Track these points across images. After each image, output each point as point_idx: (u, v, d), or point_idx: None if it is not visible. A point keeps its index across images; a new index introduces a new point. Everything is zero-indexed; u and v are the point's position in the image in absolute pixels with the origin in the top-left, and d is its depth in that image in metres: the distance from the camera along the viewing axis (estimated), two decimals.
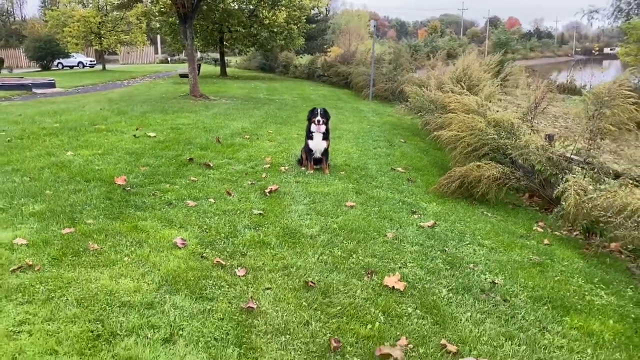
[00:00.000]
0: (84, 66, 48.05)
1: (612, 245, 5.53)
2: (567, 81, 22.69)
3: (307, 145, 7.46)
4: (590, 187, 5.54)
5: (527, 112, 8.22)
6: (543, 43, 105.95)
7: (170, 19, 27.47)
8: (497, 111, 7.93)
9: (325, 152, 7.55)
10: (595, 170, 5.97)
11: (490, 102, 9.27)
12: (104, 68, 41.44)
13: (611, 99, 6.38)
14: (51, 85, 22.10)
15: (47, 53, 42.18)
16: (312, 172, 7.38)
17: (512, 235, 5.56)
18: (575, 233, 5.99)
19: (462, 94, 9.10)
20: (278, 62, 35.50)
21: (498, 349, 3.20)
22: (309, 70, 31.37)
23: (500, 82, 11.02)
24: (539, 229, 5.91)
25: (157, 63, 60.72)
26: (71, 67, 46.67)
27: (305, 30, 31.70)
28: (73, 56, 46.00)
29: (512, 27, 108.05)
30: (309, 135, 7.44)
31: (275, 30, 28.23)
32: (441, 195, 6.81)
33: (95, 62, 50.20)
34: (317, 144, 7.43)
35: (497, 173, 6.70)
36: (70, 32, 37.19)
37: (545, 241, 5.46)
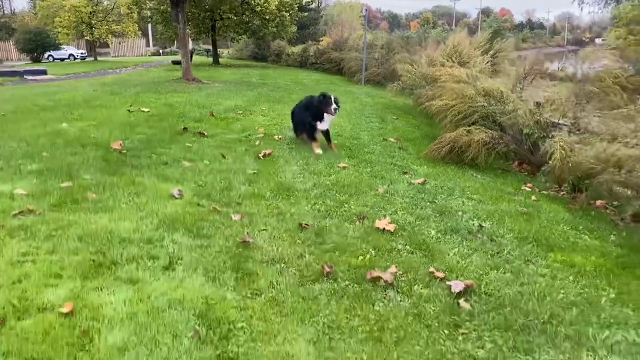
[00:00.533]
0: (75, 58, 47.63)
1: (598, 202, 5.71)
2: (558, 69, 22.84)
3: (310, 122, 6.79)
4: (576, 143, 5.70)
5: (516, 84, 8.38)
6: (535, 34, 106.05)
7: (162, 7, 27.39)
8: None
9: (327, 132, 7.02)
10: (581, 130, 6.13)
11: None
12: (95, 59, 41.23)
13: (596, 61, 6.54)
14: (43, 72, 22.07)
15: (37, 45, 41.76)
16: (318, 150, 6.66)
17: (500, 192, 5.71)
18: (562, 193, 6.16)
19: (453, 67, 9.23)
20: (270, 51, 35.42)
21: (484, 275, 3.35)
22: (301, 59, 31.36)
23: (491, 59, 11.14)
24: (527, 189, 6.07)
25: (148, 55, 60.36)
26: (62, 59, 46.25)
27: (297, 18, 31.69)
28: (64, 48, 45.59)
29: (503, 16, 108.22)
30: (316, 117, 6.74)
31: (267, 17, 28.18)
32: (432, 160, 6.95)
33: (86, 55, 49.78)
34: (323, 126, 6.87)
35: (487, 137, 6.84)
36: (61, 22, 36.97)
37: (533, 197, 5.62)
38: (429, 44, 17.94)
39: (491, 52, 11.72)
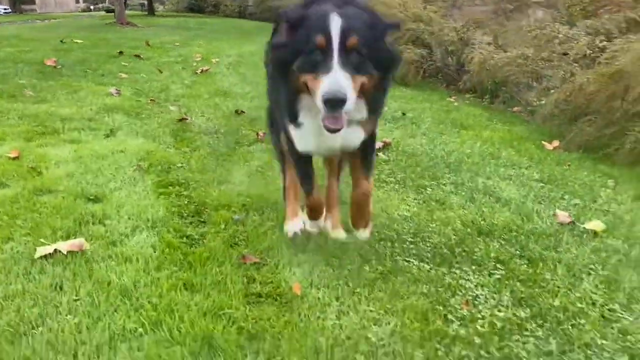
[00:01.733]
0: None
1: (515, 108, 6.25)
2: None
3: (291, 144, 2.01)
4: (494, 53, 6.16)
5: (446, 13, 8.79)
6: None
7: None
8: None
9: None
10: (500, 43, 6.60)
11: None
12: (20, 14, 38.82)
13: None
14: None
15: None
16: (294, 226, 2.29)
17: (425, 99, 6.13)
18: (483, 103, 6.66)
19: None
20: (208, 2, 34.57)
21: (402, 142, 3.73)
22: (240, 9, 30.82)
23: None
24: (452, 100, 6.52)
25: (79, 12, 57.27)
26: None
27: None
28: None
29: None
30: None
31: None
32: None
33: (10, 11, 46.69)
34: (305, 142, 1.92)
35: (415, 57, 7.21)
36: None
37: (455, 103, 6.07)
38: None
39: None
